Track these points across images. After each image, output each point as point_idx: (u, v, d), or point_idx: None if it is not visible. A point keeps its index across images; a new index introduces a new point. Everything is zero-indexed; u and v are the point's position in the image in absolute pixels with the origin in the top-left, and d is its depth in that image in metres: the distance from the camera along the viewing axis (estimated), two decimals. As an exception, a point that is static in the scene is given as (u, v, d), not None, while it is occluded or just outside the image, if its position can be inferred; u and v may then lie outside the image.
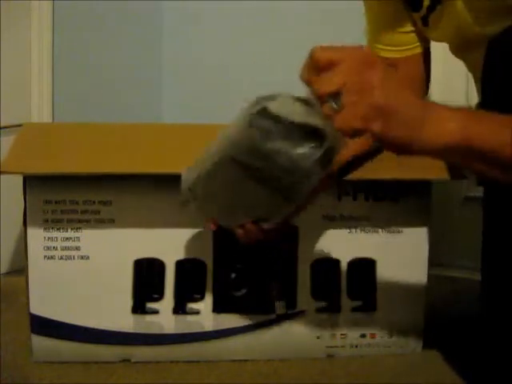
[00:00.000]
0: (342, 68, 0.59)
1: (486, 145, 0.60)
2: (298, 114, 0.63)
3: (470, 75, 1.01)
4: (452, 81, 1.40)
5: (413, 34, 0.96)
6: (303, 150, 0.64)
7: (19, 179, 0.90)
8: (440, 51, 1.33)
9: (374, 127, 0.59)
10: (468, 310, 1.09)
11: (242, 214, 0.76)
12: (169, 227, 0.92)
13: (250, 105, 0.66)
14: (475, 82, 0.99)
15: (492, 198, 0.89)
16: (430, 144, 0.61)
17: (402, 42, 0.96)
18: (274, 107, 0.64)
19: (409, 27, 0.95)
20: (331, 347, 0.98)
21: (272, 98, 0.65)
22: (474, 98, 1.01)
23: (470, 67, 0.97)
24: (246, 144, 0.66)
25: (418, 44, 0.96)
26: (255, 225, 0.76)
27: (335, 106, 0.58)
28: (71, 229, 0.91)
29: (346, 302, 0.97)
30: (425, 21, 0.92)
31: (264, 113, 0.64)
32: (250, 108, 0.65)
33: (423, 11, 0.91)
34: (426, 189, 0.98)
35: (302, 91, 0.61)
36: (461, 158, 0.63)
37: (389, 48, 0.96)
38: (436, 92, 1.44)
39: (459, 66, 1.01)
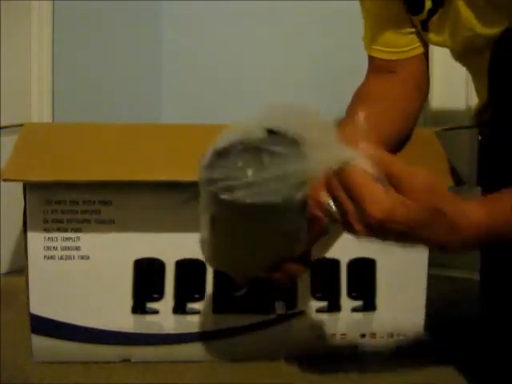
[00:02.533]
0: None
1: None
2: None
3: (470, 77, 1.00)
4: (452, 83, 1.40)
5: (414, 35, 0.94)
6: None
7: (19, 179, 0.90)
8: (439, 53, 1.34)
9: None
10: (468, 310, 1.09)
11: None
12: (169, 227, 0.92)
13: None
14: (476, 88, 0.98)
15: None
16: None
17: (404, 43, 0.95)
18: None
19: (411, 28, 0.94)
20: (331, 347, 0.98)
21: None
22: (474, 100, 1.01)
23: (474, 73, 0.96)
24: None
25: (419, 44, 0.95)
26: (294, 263, 0.71)
27: None
28: (71, 229, 0.91)
29: (346, 302, 0.97)
30: (424, 25, 0.91)
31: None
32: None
33: (423, 15, 0.89)
34: (426, 189, 0.98)
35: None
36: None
37: (389, 49, 0.95)
38: (436, 94, 1.44)
39: (459, 68, 1.01)
